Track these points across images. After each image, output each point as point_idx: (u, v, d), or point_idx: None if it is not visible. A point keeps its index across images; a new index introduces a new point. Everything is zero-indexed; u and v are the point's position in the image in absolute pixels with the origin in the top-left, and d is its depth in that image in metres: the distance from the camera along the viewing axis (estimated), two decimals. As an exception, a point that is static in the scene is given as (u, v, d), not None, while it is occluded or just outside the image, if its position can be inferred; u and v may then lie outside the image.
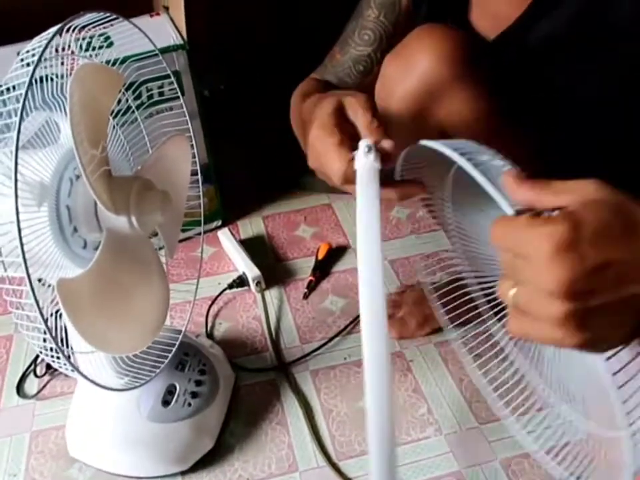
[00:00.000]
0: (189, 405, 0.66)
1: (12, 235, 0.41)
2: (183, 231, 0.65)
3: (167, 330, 0.64)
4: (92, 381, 0.46)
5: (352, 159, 0.43)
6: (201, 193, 0.68)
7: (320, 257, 0.93)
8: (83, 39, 0.55)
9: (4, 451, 0.70)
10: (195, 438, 0.66)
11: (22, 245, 0.37)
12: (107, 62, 0.56)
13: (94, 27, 0.66)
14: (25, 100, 0.37)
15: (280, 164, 1.08)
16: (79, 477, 0.67)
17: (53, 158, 0.47)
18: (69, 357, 0.43)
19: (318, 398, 0.73)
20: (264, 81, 1.14)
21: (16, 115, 0.46)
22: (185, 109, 0.65)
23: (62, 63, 0.52)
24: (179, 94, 0.63)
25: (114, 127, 0.57)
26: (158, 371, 0.60)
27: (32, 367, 0.79)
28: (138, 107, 0.65)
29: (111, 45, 0.62)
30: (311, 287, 0.89)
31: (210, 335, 0.83)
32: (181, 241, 0.72)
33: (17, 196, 0.37)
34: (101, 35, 0.73)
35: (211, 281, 0.91)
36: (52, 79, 0.47)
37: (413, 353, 0.78)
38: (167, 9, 0.91)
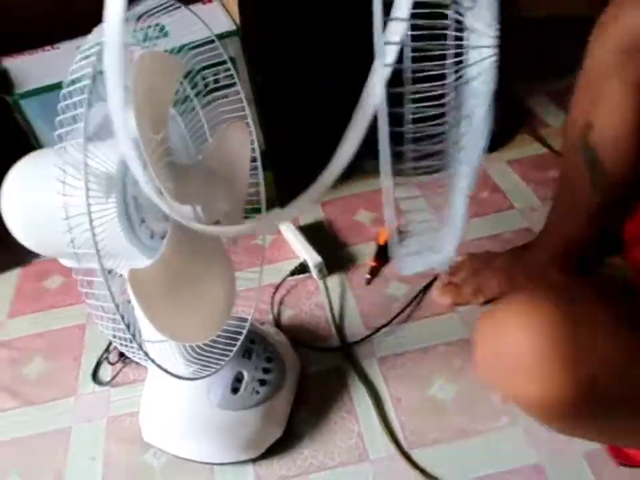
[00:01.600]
0: (257, 392, 0.66)
1: (83, 226, 0.42)
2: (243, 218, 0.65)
3: (233, 318, 0.64)
4: (163, 369, 0.46)
5: None
6: (261, 180, 0.68)
7: (381, 242, 0.91)
8: (141, 29, 0.55)
9: (84, 435, 0.73)
10: (264, 425, 0.66)
11: (94, 235, 0.37)
12: (165, 51, 0.56)
13: (149, 17, 0.66)
14: (90, 91, 0.37)
15: (335, 146, 1.05)
16: (153, 462, 0.68)
17: (117, 149, 0.47)
18: (141, 345, 0.43)
19: (386, 386, 0.71)
20: (316, 66, 1.12)
21: (81, 107, 0.47)
22: (242, 95, 0.64)
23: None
24: (236, 80, 0.62)
25: (173, 116, 0.57)
26: (227, 359, 0.60)
27: (105, 355, 0.81)
28: (195, 96, 0.64)
29: (166, 34, 0.61)
30: (374, 273, 0.87)
31: (275, 323, 0.82)
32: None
33: (87, 188, 0.37)
34: (156, 25, 0.73)
35: (272, 268, 0.90)
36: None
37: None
38: (220, -2, 0.90)
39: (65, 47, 0.83)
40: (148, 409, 0.70)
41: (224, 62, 0.63)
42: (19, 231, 0.51)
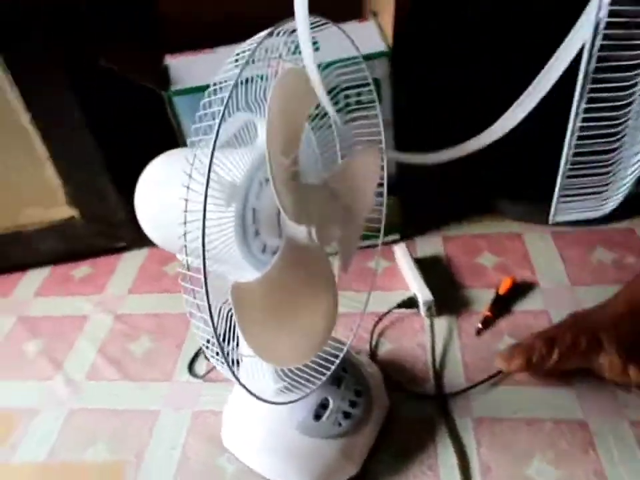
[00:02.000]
0: (339, 424, 0.63)
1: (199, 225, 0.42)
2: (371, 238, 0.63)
3: (330, 339, 0.62)
4: (247, 389, 0.46)
5: None
6: (384, 207, 0.65)
7: (501, 291, 0.85)
8: (292, 42, 0.55)
9: (169, 422, 0.75)
10: (340, 459, 0.63)
11: (204, 235, 0.37)
12: (332, 61, 0.56)
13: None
14: (227, 103, 0.37)
15: (469, 182, 1.00)
16: (226, 467, 0.68)
17: (247, 159, 0.48)
18: (228, 355, 0.42)
19: (477, 451, 0.65)
20: (460, 91, 1.08)
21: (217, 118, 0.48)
22: (380, 118, 0.62)
23: (268, 66, 0.53)
24: (377, 103, 0.61)
25: (307, 131, 0.57)
26: (316, 386, 0.58)
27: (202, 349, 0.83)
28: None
29: (317, 49, 0.61)
30: (486, 324, 0.81)
31: (371, 354, 0.79)
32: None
33: (206, 195, 0.37)
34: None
35: (380, 296, 0.87)
36: (257, 81, 0.48)
37: (599, 427, 0.66)
38: (375, 14, 0.90)
39: (223, 51, 0.87)
40: (230, 414, 0.70)
41: (368, 83, 0.62)
42: (146, 224, 0.54)
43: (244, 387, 0.44)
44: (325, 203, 0.48)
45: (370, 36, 0.86)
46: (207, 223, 0.45)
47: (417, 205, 1.00)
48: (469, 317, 0.83)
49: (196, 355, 0.84)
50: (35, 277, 1.04)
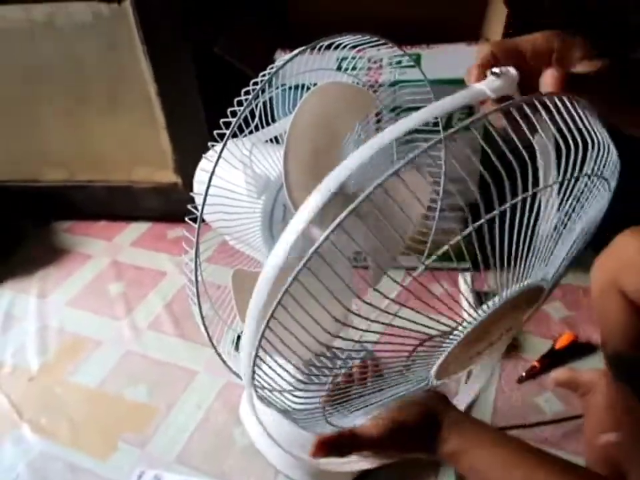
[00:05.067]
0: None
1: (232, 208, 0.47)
2: (436, 261, 0.63)
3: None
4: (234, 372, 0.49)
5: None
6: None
7: (558, 345, 0.80)
8: (396, 54, 0.56)
9: (203, 384, 0.81)
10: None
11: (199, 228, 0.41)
12: (396, 81, 0.57)
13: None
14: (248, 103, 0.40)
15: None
16: (237, 440, 0.73)
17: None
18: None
19: None
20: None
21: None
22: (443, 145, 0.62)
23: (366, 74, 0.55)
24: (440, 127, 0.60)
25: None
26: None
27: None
28: (419, 131, 0.64)
29: (416, 65, 0.61)
30: (531, 374, 0.77)
31: (402, 372, 0.79)
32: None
33: (207, 189, 0.41)
34: (413, 54, 0.75)
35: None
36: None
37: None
38: (487, 40, 0.88)
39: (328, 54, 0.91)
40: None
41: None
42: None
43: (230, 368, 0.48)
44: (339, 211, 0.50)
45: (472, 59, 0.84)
46: (239, 209, 0.50)
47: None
48: (516, 361, 0.79)
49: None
50: (135, 229, 1.16)
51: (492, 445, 0.46)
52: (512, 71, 0.36)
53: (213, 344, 0.51)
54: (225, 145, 0.41)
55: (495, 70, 0.36)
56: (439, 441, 0.47)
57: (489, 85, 0.35)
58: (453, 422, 0.48)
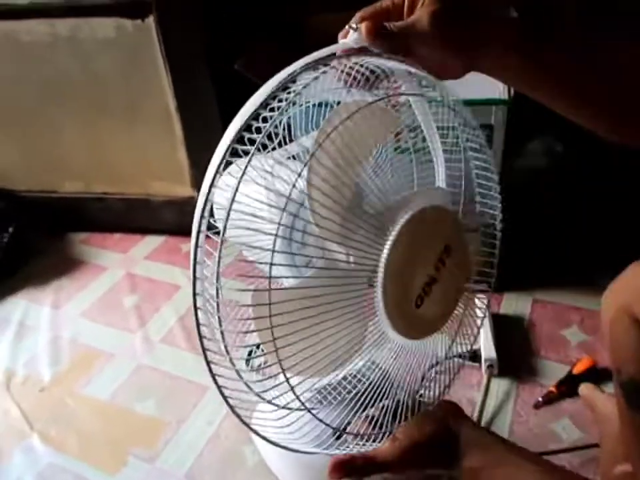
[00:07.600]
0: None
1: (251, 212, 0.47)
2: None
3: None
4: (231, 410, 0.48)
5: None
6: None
7: (576, 370, 0.78)
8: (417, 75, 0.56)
9: (213, 400, 0.80)
10: None
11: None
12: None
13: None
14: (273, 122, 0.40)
15: (572, 249, 0.95)
16: (248, 458, 0.72)
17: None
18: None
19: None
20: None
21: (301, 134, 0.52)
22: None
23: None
24: (461, 146, 0.60)
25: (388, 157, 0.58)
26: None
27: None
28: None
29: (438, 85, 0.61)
30: (548, 400, 0.75)
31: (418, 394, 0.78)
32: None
33: (231, 200, 0.41)
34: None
35: (444, 339, 0.85)
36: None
37: None
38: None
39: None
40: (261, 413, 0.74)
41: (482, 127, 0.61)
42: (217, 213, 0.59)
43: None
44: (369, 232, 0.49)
45: (495, 81, 0.84)
46: (259, 225, 0.50)
47: (513, 260, 0.96)
48: (533, 387, 0.78)
49: (258, 346, 0.88)
50: (150, 242, 1.17)
51: (516, 467, 0.45)
52: (363, 26, 0.44)
53: (228, 355, 0.51)
54: (249, 160, 0.41)
55: (352, 25, 0.45)
56: (458, 456, 0.46)
57: (350, 39, 0.45)
58: (470, 436, 0.47)
